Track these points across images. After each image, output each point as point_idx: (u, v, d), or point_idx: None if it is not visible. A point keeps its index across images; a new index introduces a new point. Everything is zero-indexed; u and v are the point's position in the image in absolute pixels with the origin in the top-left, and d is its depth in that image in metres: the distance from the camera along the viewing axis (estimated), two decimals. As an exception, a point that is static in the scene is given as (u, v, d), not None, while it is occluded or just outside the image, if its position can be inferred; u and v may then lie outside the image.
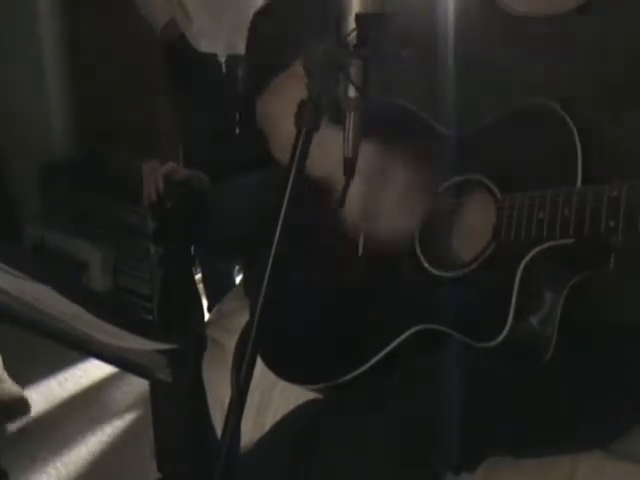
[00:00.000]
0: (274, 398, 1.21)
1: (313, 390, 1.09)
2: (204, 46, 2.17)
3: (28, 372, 2.21)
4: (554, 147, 0.93)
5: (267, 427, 1.10)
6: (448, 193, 1.03)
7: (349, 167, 0.88)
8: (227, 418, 0.82)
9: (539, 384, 0.96)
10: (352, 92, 0.86)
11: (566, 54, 0.99)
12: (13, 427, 2.05)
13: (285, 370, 1.12)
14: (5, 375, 2.11)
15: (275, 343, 1.10)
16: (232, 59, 2.19)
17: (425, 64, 1.06)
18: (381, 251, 1.05)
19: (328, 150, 0.91)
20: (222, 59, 2.19)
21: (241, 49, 2.15)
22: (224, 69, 2.20)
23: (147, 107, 2.67)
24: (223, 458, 0.82)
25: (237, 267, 2.35)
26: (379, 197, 1.00)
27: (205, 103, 2.19)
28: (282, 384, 1.18)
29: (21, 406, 2.08)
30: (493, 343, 0.91)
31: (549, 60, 0.99)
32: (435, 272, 1.01)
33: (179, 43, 2.19)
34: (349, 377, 1.03)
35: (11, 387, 2.09)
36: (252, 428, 1.19)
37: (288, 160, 0.84)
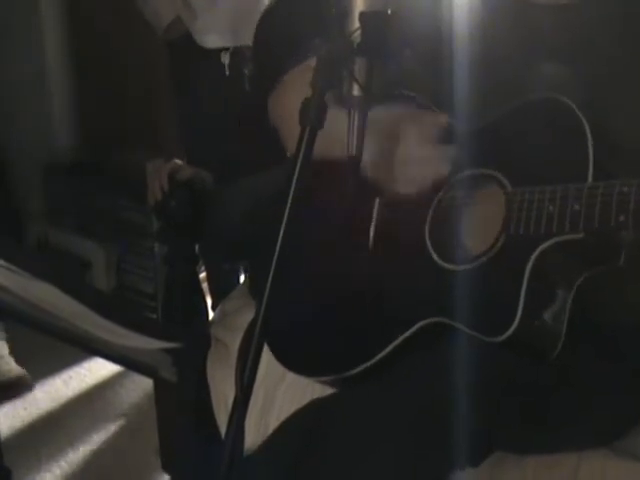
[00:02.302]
0: (278, 397, 1.21)
1: (322, 382, 1.09)
2: (210, 41, 2.16)
3: (33, 370, 2.21)
4: (566, 142, 0.93)
5: (271, 426, 1.10)
6: (459, 187, 1.03)
7: (353, 166, 0.88)
8: (231, 417, 0.82)
9: (544, 381, 0.96)
10: (356, 90, 0.86)
11: (576, 44, 0.98)
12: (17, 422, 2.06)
13: (294, 362, 1.12)
14: (6, 353, 2.20)
15: (284, 335, 1.10)
16: (236, 58, 2.18)
17: (432, 60, 1.06)
18: (396, 218, 1.05)
19: (332, 130, 0.90)
20: (226, 61, 2.18)
21: (248, 40, 2.14)
22: (227, 70, 2.19)
23: (151, 106, 2.67)
24: (227, 457, 0.82)
25: (240, 266, 2.34)
26: (395, 155, 1.01)
27: (208, 102, 2.18)
28: (286, 383, 1.18)
29: (23, 383, 2.19)
30: (501, 338, 0.91)
31: (558, 52, 0.99)
32: (445, 265, 1.01)
33: (183, 41, 2.19)
34: (358, 370, 1.03)
35: (13, 366, 2.20)
36: (256, 427, 1.19)
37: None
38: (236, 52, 2.17)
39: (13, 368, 2.20)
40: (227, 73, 2.18)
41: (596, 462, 1.00)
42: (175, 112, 2.39)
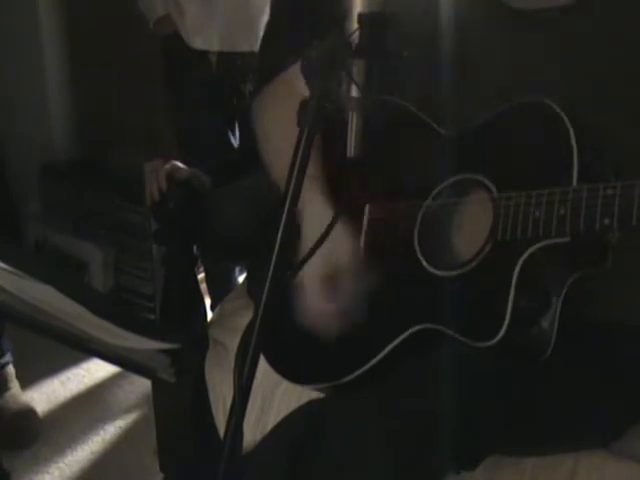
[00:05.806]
0: (276, 398, 1.21)
1: (316, 390, 1.09)
2: (198, 43, 2.16)
3: (31, 371, 2.21)
4: (551, 145, 0.93)
5: (269, 427, 1.10)
6: (446, 193, 1.03)
7: (352, 167, 0.88)
8: (229, 418, 0.82)
9: (540, 383, 0.96)
10: (354, 92, 0.86)
11: (564, 51, 0.99)
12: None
13: (288, 370, 1.12)
14: (17, 386, 2.08)
15: (278, 343, 1.10)
16: (224, 58, 2.18)
17: (425, 63, 1.06)
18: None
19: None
20: (213, 58, 2.18)
21: (236, 45, 2.15)
22: (214, 68, 2.19)
23: (149, 107, 2.67)
24: (225, 458, 0.82)
25: (238, 267, 2.34)
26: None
27: (194, 103, 2.18)
28: (284, 384, 1.18)
29: (31, 419, 2.02)
30: (490, 343, 0.91)
31: (547, 58, 0.99)
32: (434, 271, 1.01)
33: (172, 41, 2.19)
34: (350, 378, 1.03)
35: (21, 400, 2.05)
36: (254, 428, 1.19)
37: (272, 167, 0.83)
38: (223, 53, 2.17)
39: (21, 403, 2.02)
40: (214, 70, 2.18)
41: (594, 463, 1.00)
42: (166, 112, 2.39)
